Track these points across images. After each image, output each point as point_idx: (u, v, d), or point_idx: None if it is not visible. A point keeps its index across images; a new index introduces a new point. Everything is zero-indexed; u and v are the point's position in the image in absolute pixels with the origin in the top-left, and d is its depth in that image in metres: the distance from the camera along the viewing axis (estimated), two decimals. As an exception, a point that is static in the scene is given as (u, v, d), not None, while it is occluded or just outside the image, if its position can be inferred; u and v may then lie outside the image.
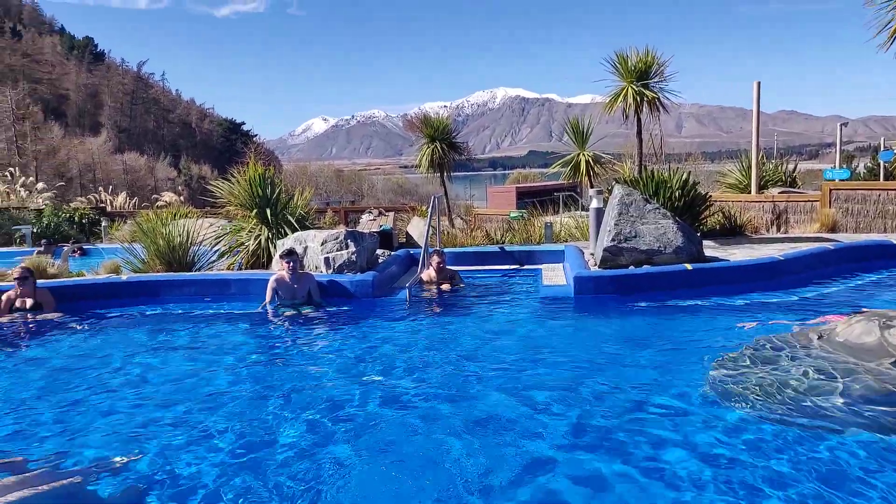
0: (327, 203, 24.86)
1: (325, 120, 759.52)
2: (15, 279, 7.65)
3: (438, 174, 15.11)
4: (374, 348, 6.25)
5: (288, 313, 7.56)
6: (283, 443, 3.96)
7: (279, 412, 4.51)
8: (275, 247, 9.13)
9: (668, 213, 8.75)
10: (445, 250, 9.56)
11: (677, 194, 10.47)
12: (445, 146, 14.92)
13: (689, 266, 8.03)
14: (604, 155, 14.40)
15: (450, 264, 9.01)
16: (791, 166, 16.22)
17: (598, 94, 12.90)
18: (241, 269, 9.44)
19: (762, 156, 15.62)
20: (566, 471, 3.47)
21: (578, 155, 13.63)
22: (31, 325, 7.31)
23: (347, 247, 8.49)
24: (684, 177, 10.89)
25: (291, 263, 7.70)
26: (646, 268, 8.12)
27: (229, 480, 3.49)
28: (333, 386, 5.08)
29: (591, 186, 12.80)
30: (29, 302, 7.64)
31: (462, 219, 16.12)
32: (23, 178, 30.61)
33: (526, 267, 9.91)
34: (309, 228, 9.77)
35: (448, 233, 11.79)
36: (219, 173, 52.66)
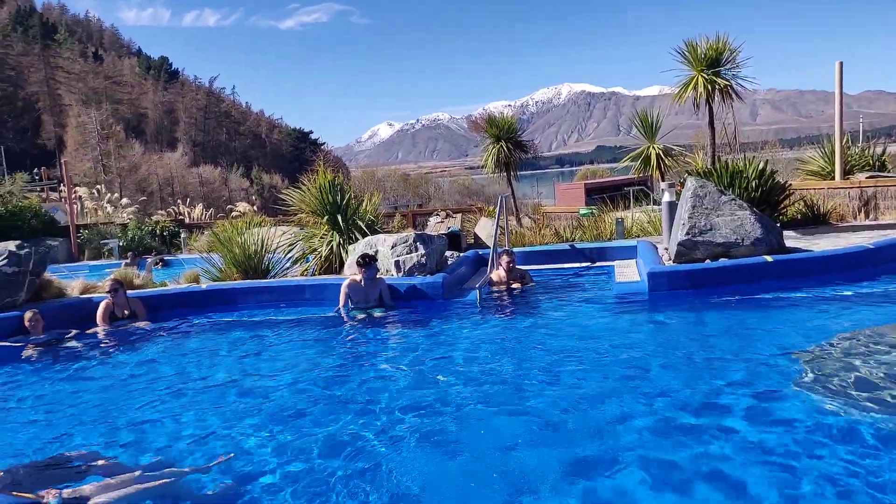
0: (395, 207, 25.18)
1: (390, 125, 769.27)
2: (107, 292, 8.04)
3: (505, 174, 15.04)
4: (446, 349, 6.26)
5: (360, 316, 7.67)
6: (359, 443, 4.00)
7: (354, 413, 4.57)
8: (346, 252, 9.28)
9: (745, 204, 8.42)
10: (514, 250, 9.49)
11: (754, 184, 10.06)
12: (511, 145, 14.83)
13: (769, 258, 7.70)
14: (674, 147, 14.00)
15: (519, 264, 8.94)
16: (879, 149, 15.32)
17: (667, 84, 12.56)
18: (314, 274, 9.64)
19: (846, 139, 14.83)
20: (658, 472, 3.35)
21: (648, 148, 13.29)
22: (125, 333, 7.67)
23: (417, 249, 8.54)
24: (761, 166, 10.46)
25: (367, 271, 7.80)
26: (723, 261, 7.84)
27: (307, 479, 3.56)
28: (407, 387, 5.11)
29: (663, 180, 12.46)
30: (125, 311, 8.03)
31: (530, 217, 15.99)
32: (109, 195, 32.29)
33: (597, 264, 9.73)
34: (378, 233, 9.88)
35: (516, 232, 11.72)
36: (289, 182, 54.05)
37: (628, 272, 8.71)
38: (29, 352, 7.04)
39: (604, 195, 16.00)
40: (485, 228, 13.07)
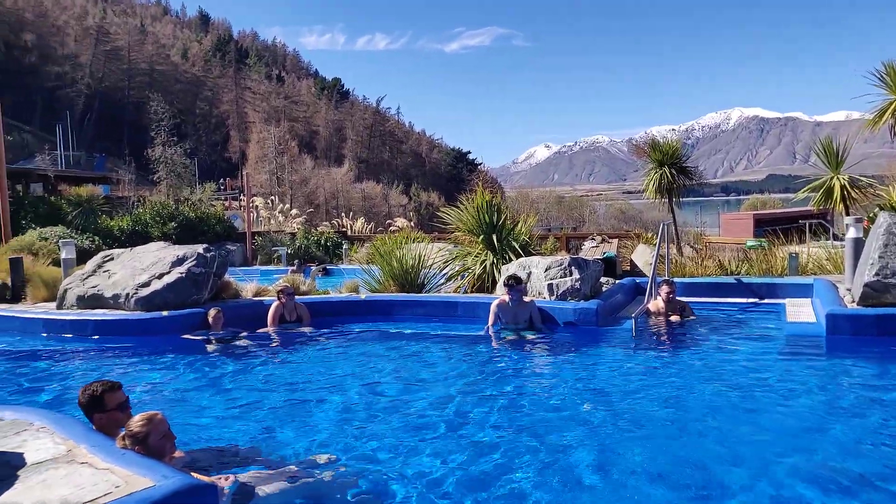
0: (549, 229, 24.98)
1: (547, 147, 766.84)
2: (284, 294, 8.60)
3: (666, 200, 14.43)
4: (596, 378, 6.08)
5: (510, 337, 7.64)
6: (493, 462, 3.97)
7: (496, 432, 4.54)
8: (499, 272, 9.31)
9: (951, 245, 7.43)
10: (674, 280, 9.04)
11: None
12: (674, 171, 14.21)
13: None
14: (862, 178, 12.71)
15: (679, 295, 8.51)
16: None
17: (857, 110, 11.47)
18: (466, 292, 9.76)
19: None
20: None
21: (832, 178, 12.18)
22: (291, 335, 8.20)
23: (571, 273, 8.39)
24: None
25: (511, 292, 7.77)
26: (920, 308, 6.96)
27: (442, 493, 3.56)
28: (549, 412, 5.01)
29: (847, 214, 11.35)
30: (293, 315, 8.59)
31: (691, 247, 15.19)
32: (281, 205, 34.86)
33: (766, 301, 9.02)
34: (532, 254, 9.83)
35: (676, 261, 11.15)
36: (445, 200, 55.41)
37: (802, 312, 7.99)
38: (210, 346, 7.71)
39: (775, 227, 14.81)
40: (642, 255, 12.58)
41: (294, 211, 34.26)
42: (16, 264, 10.59)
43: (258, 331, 8.32)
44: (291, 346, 7.72)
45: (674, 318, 8.09)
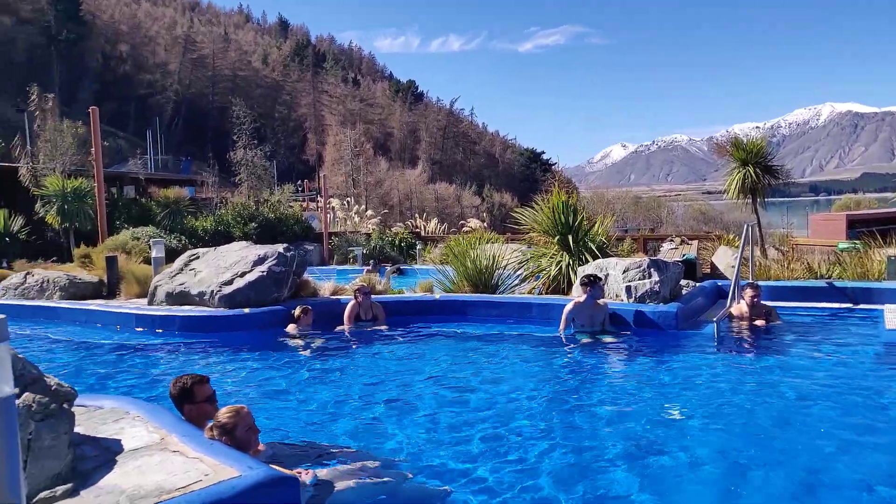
0: (625, 230, 24.47)
1: (624, 146, 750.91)
2: (361, 293, 8.75)
3: (749, 200, 13.87)
4: (675, 383, 5.90)
5: (585, 340, 7.52)
6: (568, 463, 3.91)
7: (568, 435, 4.48)
8: (575, 273, 9.18)
9: None
10: (759, 283, 8.68)
11: None
12: (759, 170, 13.65)
13: None
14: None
15: (763, 299, 8.16)
16: None
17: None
18: (541, 293, 9.67)
19: None
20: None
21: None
22: (367, 334, 8.33)
23: (650, 276, 8.18)
24: None
25: (591, 290, 7.64)
26: None
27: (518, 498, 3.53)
28: (625, 416, 4.89)
29: (951, 214, 10.60)
30: (369, 314, 8.73)
31: (777, 249, 14.54)
32: (356, 206, 35.50)
33: (861, 306, 8.54)
34: (609, 256, 9.65)
35: (761, 264, 10.70)
36: (519, 201, 55.09)
37: (902, 319, 7.51)
38: (293, 343, 7.93)
39: (871, 228, 14.00)
40: (724, 258, 12.14)
41: (369, 212, 34.82)
42: (111, 262, 11.20)
43: (335, 329, 8.49)
44: (367, 345, 7.85)
45: (759, 322, 7.76)
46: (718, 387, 5.74)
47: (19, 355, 2.86)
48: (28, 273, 11.27)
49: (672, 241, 16.09)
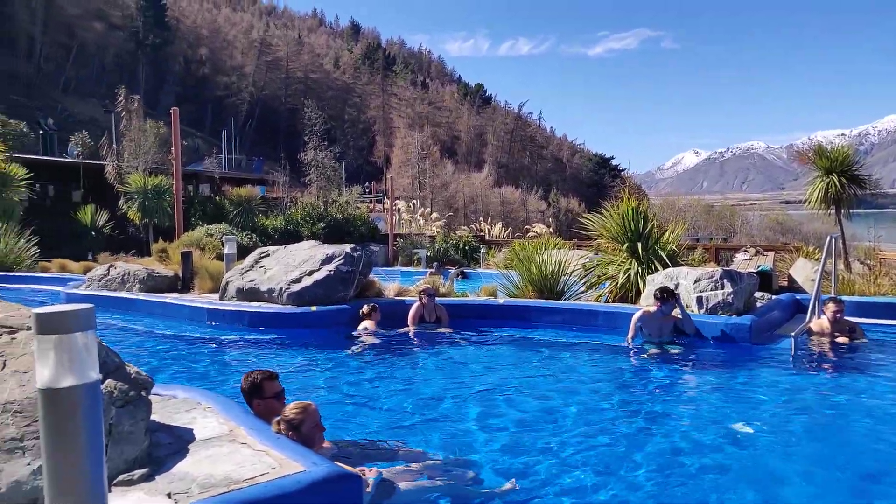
0: (696, 239, 23.77)
1: (696, 153, 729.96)
2: (426, 295, 8.78)
3: (832, 211, 13.24)
4: (745, 398, 5.67)
5: (653, 350, 7.33)
6: (639, 483, 3.78)
7: (630, 448, 4.36)
8: (643, 282, 8.96)
9: None
10: (842, 298, 8.26)
11: None
12: (844, 179, 13.01)
13: None
14: None
15: (846, 315, 7.76)
16: None
17: None
18: (608, 301, 9.49)
19: None
20: None
21: None
22: (430, 336, 8.36)
23: (723, 286, 7.90)
24: None
25: (663, 305, 7.44)
26: None
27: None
28: (696, 431, 4.72)
29: None
30: (432, 316, 8.76)
31: (862, 263, 13.82)
32: (421, 209, 35.79)
33: (954, 326, 8.02)
34: (679, 265, 9.37)
35: (844, 278, 10.19)
36: (586, 206, 54.38)
37: None
38: (366, 340, 8.02)
39: (966, 244, 13.17)
40: (803, 270, 11.62)
41: (434, 214, 35.06)
42: (186, 258, 11.60)
43: (398, 330, 8.54)
44: (431, 347, 7.86)
45: (841, 339, 7.39)
46: (795, 405, 5.48)
47: (102, 343, 2.98)
48: (111, 266, 11.80)
49: (746, 251, 15.54)
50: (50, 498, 1.94)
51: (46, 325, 1.93)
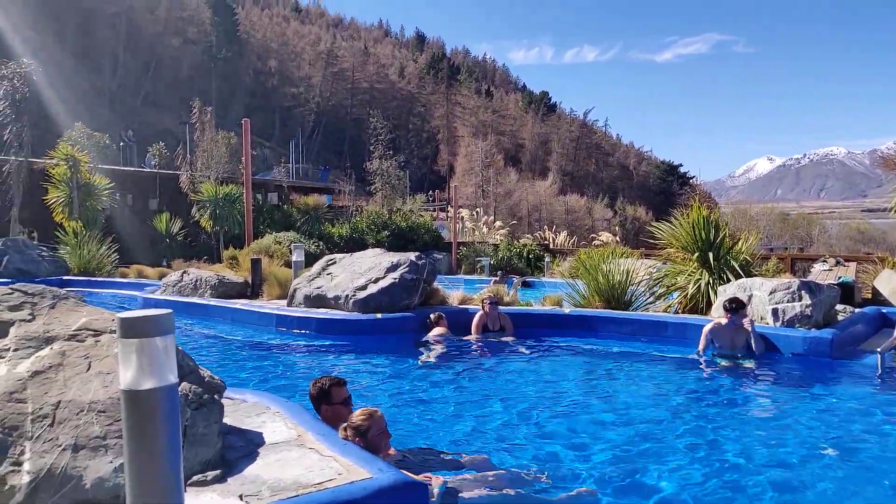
0: (770, 248, 22.93)
1: (770, 159, 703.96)
2: (489, 303, 8.76)
3: (919, 220, 12.58)
4: (833, 417, 5.39)
5: (725, 364, 7.08)
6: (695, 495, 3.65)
7: (705, 463, 4.20)
8: (715, 292, 8.68)
9: None
10: (931, 312, 7.80)
11: None
12: (932, 186, 12.35)
13: None
14: None
15: (937, 330, 7.31)
16: None
17: None
18: (677, 312, 9.23)
19: None
20: None
21: None
22: (494, 345, 8.32)
23: (801, 298, 7.57)
24: None
25: (733, 316, 7.19)
26: None
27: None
28: (775, 451, 4.51)
29: None
30: (496, 325, 8.72)
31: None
32: (485, 217, 35.75)
33: None
34: (752, 275, 9.03)
35: (933, 291, 9.64)
36: (654, 215, 53.25)
37: None
38: (434, 349, 8.06)
39: None
40: (889, 282, 11.01)
41: (498, 223, 34.94)
42: (256, 265, 11.92)
43: (462, 338, 8.53)
44: (495, 356, 7.82)
45: (932, 356, 6.96)
46: (883, 427, 5.18)
47: (178, 347, 3.07)
48: (184, 272, 12.23)
49: (825, 261, 14.87)
50: (131, 497, 2.00)
51: (129, 329, 2.00)
